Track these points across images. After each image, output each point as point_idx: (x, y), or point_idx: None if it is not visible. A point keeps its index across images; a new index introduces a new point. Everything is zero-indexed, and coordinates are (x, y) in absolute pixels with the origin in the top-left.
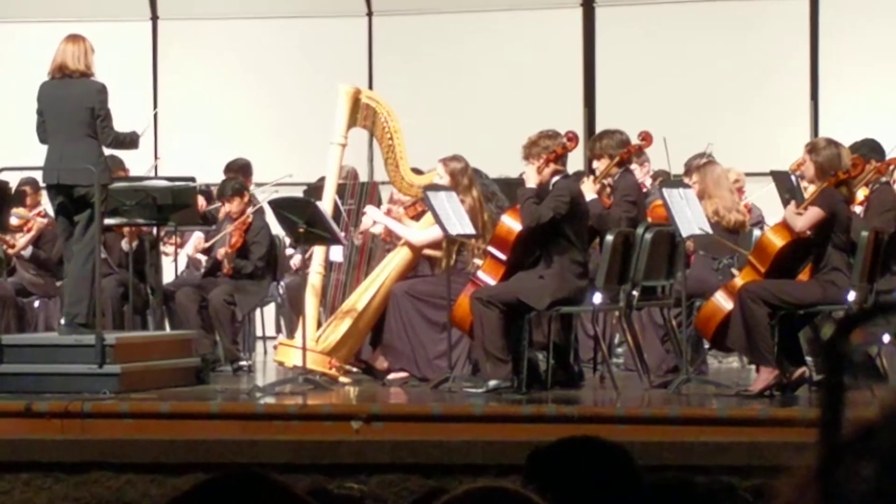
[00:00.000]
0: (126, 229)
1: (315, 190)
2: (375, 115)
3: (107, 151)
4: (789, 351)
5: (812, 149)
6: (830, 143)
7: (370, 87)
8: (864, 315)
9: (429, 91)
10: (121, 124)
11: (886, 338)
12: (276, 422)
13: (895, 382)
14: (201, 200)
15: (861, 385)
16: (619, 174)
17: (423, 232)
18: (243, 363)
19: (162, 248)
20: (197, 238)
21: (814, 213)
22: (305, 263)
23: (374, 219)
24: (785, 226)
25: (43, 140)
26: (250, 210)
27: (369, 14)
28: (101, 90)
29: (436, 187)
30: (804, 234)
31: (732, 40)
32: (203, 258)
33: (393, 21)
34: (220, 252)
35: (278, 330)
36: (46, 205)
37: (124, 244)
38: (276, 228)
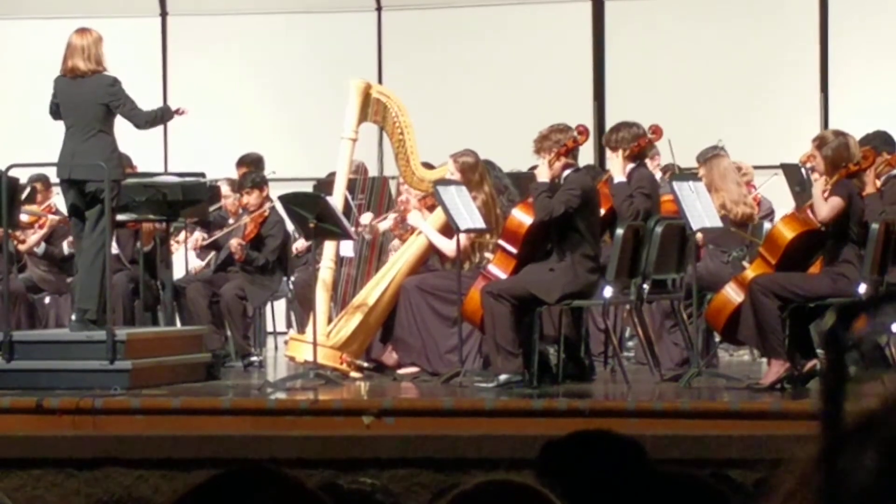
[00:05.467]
0: (142, 230)
1: (325, 185)
2: (386, 109)
3: (126, 143)
4: (800, 344)
5: (820, 143)
6: (837, 134)
7: (380, 81)
8: (867, 303)
9: (438, 85)
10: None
11: (895, 327)
12: (287, 417)
13: None
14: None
15: (870, 374)
16: (632, 168)
17: (453, 242)
18: (254, 358)
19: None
20: (195, 238)
21: (836, 203)
22: (306, 255)
23: (415, 225)
24: (796, 217)
25: (53, 116)
26: (268, 204)
27: (378, 9)
28: (113, 83)
29: (446, 182)
30: (825, 223)
31: (742, 33)
32: (200, 262)
33: (402, 16)
34: (234, 242)
35: (289, 325)
36: (57, 201)
37: (138, 245)
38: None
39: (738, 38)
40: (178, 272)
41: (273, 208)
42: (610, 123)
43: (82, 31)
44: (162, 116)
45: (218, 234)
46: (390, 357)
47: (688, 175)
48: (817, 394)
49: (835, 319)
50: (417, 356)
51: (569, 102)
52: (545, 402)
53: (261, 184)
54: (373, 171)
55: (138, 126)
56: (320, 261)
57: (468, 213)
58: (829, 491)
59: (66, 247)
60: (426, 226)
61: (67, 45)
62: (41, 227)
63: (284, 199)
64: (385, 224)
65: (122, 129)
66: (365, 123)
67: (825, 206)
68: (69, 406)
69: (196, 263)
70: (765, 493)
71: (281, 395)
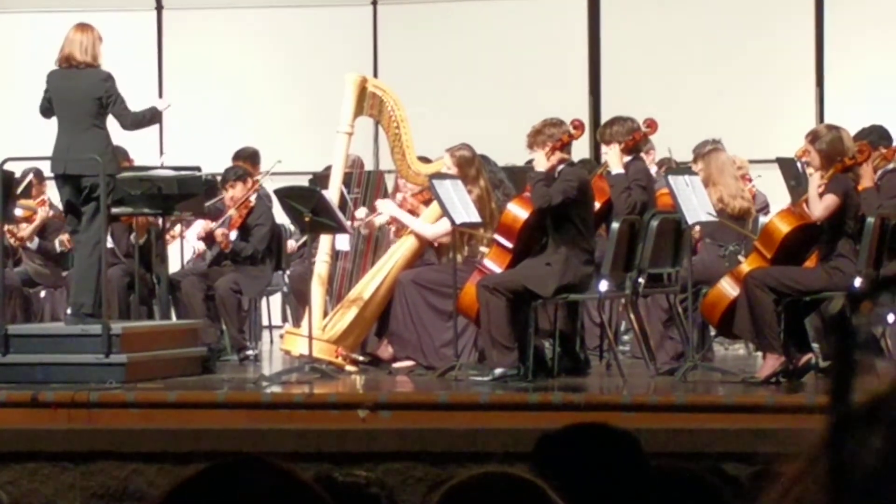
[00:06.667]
0: (137, 223)
1: (321, 179)
2: (382, 103)
3: (122, 136)
4: (796, 337)
5: (814, 138)
6: (830, 128)
7: (375, 75)
8: (874, 289)
9: (434, 79)
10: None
11: (891, 318)
12: (282, 411)
13: None
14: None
15: (867, 363)
16: (628, 161)
17: (434, 225)
18: (249, 352)
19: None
20: (200, 226)
21: (831, 201)
22: (303, 249)
23: (386, 212)
24: (791, 212)
25: (45, 115)
26: (252, 195)
27: (374, 3)
28: (107, 78)
29: (442, 176)
30: (821, 222)
31: (737, 26)
32: (202, 247)
33: (398, 9)
34: (219, 232)
35: (284, 319)
36: (51, 195)
37: (133, 238)
38: (282, 217)
39: (734, 31)
40: (173, 266)
41: (259, 198)
42: (605, 118)
43: (83, 26)
44: (150, 119)
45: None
46: (386, 351)
47: (683, 169)
48: (819, 382)
49: (843, 304)
50: (413, 350)
51: (564, 96)
52: (540, 395)
53: (243, 176)
54: (369, 165)
55: (124, 126)
56: (316, 255)
57: (464, 207)
58: (835, 473)
59: (57, 245)
60: (400, 212)
61: (65, 38)
62: (31, 221)
63: (280, 192)
64: (381, 219)
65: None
66: (361, 117)
67: (820, 205)
68: (64, 399)
69: (199, 245)
70: (766, 483)
71: (276, 389)
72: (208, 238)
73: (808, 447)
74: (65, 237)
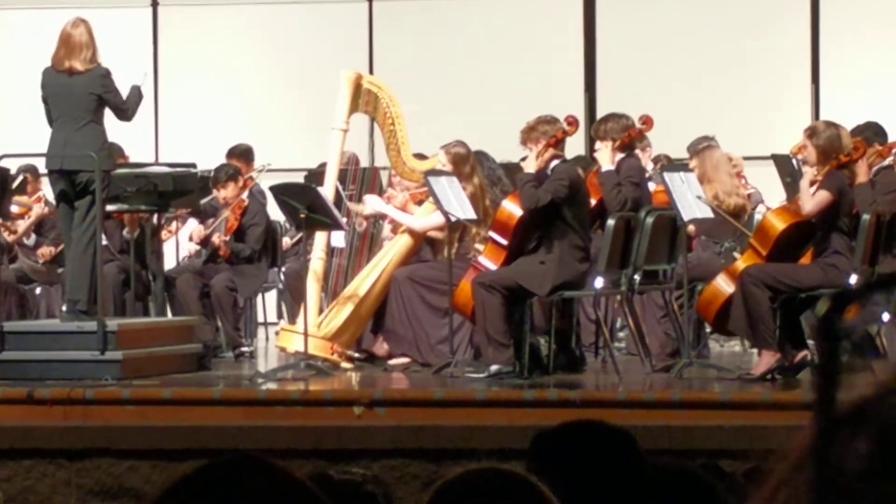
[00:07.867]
0: (126, 218)
1: (316, 175)
2: (377, 100)
3: (118, 133)
4: (791, 334)
5: (812, 133)
6: (829, 125)
7: (371, 72)
8: (859, 291)
9: (430, 76)
10: None
11: (886, 316)
12: (278, 408)
13: (894, 361)
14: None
15: (861, 364)
16: (621, 158)
17: (424, 219)
18: (245, 349)
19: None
20: (193, 228)
21: (823, 197)
22: (298, 245)
23: (374, 208)
24: (786, 209)
25: (52, 123)
26: (245, 194)
27: None
28: (105, 75)
29: (437, 172)
30: (810, 217)
31: (734, 24)
32: (196, 247)
33: (393, 6)
34: (216, 239)
35: (280, 316)
36: (47, 192)
37: (125, 233)
38: (277, 214)
39: (730, 28)
40: (168, 263)
41: (252, 195)
42: (601, 114)
43: (76, 23)
44: (138, 98)
45: (211, 227)
46: (381, 348)
47: (679, 166)
48: (810, 382)
49: (828, 307)
50: (408, 347)
51: (560, 93)
52: (536, 392)
53: (234, 175)
54: (364, 162)
55: (125, 118)
56: (311, 251)
57: (459, 203)
58: (820, 477)
59: (28, 269)
60: (388, 208)
61: (63, 40)
62: (26, 218)
63: (275, 189)
64: (367, 210)
65: (114, 119)
66: (356, 114)
67: (811, 201)
68: (60, 396)
69: (192, 247)
70: (758, 482)
71: (272, 386)
72: (204, 242)
73: (795, 450)
74: (41, 252)
